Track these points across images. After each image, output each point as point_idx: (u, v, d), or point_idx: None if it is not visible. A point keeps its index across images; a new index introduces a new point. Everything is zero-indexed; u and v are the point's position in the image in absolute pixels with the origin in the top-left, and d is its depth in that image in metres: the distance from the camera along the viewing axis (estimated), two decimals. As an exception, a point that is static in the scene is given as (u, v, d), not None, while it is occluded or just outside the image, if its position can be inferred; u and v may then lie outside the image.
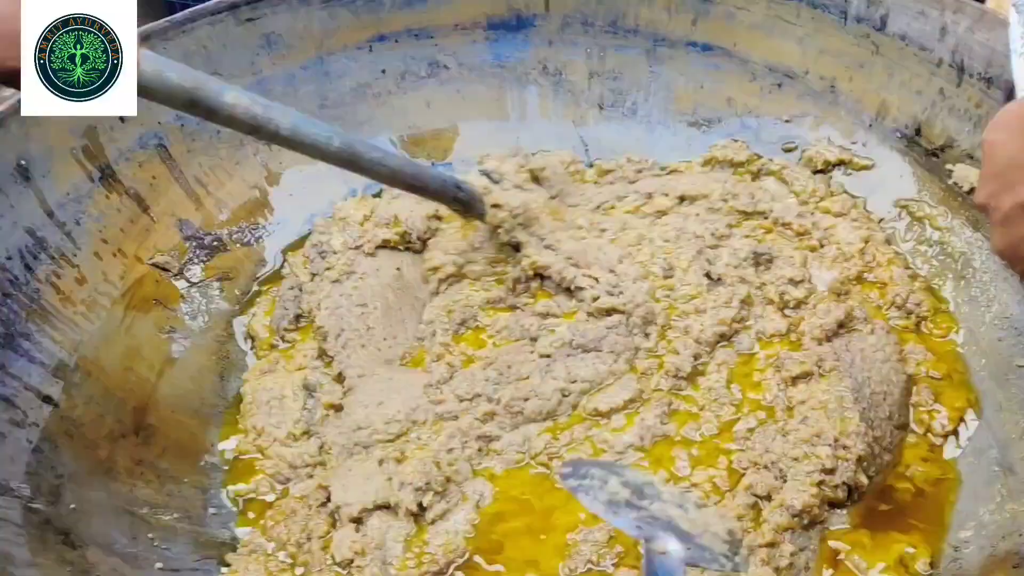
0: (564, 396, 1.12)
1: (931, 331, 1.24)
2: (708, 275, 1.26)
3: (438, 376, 1.17)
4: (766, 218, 1.37)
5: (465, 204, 1.26)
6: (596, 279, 1.23)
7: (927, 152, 1.36)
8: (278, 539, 1.05)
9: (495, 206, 1.28)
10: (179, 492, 1.13)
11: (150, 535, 1.06)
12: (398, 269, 1.34)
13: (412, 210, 1.38)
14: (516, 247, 1.30)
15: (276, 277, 1.42)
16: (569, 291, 1.25)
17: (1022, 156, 0.71)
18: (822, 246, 1.33)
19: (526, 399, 1.12)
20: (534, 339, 1.20)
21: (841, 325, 1.20)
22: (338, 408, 1.18)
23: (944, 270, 1.30)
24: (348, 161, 1.10)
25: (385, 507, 1.03)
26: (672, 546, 0.84)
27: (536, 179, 1.40)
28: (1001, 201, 0.74)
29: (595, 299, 1.20)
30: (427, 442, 1.10)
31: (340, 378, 1.22)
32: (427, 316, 1.27)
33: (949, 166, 1.32)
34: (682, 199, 1.41)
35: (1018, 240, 0.74)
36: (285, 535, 1.05)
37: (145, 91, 0.96)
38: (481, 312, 1.27)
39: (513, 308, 1.27)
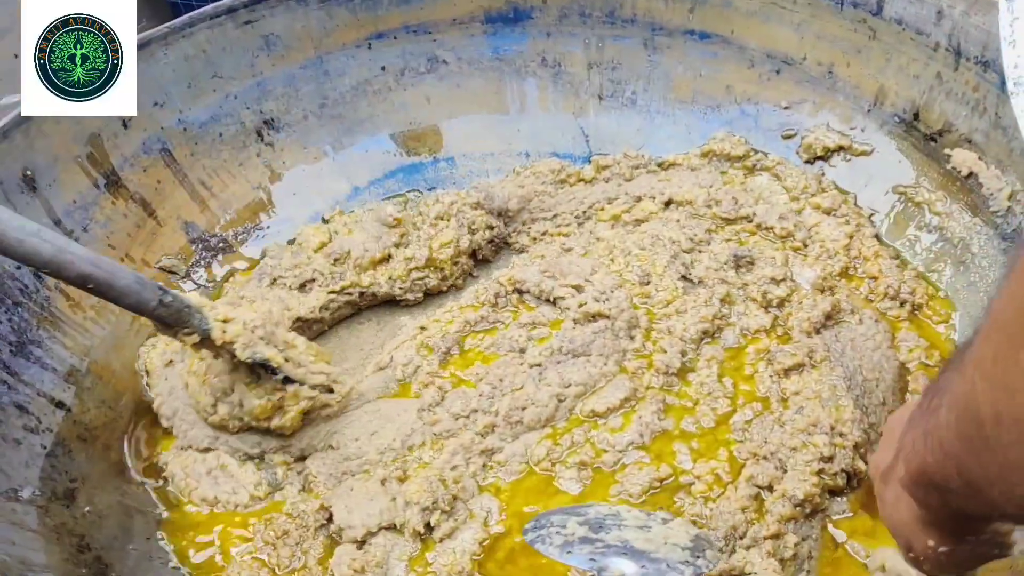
0: (560, 401, 1.12)
1: (929, 317, 1.25)
2: (685, 278, 1.26)
3: (430, 399, 1.14)
4: (750, 222, 1.38)
5: (173, 317, 0.96)
6: (575, 288, 1.22)
7: (925, 137, 1.36)
8: (267, 562, 1.03)
9: (224, 320, 1.02)
10: (191, 492, 1.16)
11: (165, 535, 1.08)
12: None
13: (367, 248, 1.31)
14: (263, 366, 1.06)
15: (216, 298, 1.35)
16: (550, 302, 1.24)
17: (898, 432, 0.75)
18: (806, 246, 1.34)
19: (523, 408, 1.11)
20: (522, 350, 1.19)
21: (829, 317, 1.21)
22: (300, 459, 1.13)
23: (943, 255, 1.31)
24: None
25: (391, 528, 1.02)
26: (627, 569, 0.87)
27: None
28: (879, 461, 0.79)
29: (581, 305, 1.19)
30: (429, 461, 1.08)
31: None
32: (401, 359, 1.21)
33: (947, 151, 1.32)
34: (668, 203, 1.42)
35: (882, 500, 0.78)
36: (275, 558, 1.03)
37: None
38: (463, 339, 1.23)
39: (495, 325, 1.25)
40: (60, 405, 1.12)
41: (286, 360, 1.07)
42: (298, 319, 1.26)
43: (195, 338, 0.99)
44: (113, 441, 1.15)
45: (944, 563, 0.72)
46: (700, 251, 1.31)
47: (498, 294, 1.26)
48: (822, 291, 1.25)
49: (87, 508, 1.05)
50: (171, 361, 1.19)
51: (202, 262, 1.39)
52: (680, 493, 1.04)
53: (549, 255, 1.33)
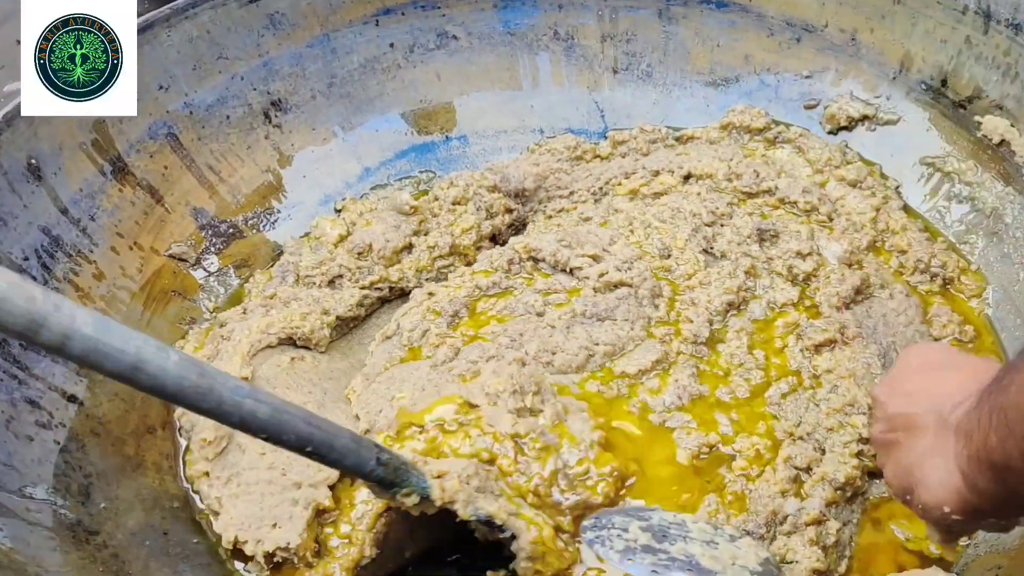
0: (590, 356, 1.09)
1: (961, 291, 1.22)
2: (707, 251, 1.23)
3: (443, 356, 1.10)
4: (772, 195, 1.33)
5: (391, 477, 0.81)
6: (592, 258, 1.18)
7: (954, 104, 1.32)
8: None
9: (439, 476, 0.85)
10: (208, 485, 1.13)
11: (182, 529, 1.06)
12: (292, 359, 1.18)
13: (388, 239, 1.29)
14: (487, 523, 0.87)
15: (236, 299, 1.32)
16: (566, 271, 1.20)
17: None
18: (831, 219, 1.29)
19: (553, 352, 1.08)
20: (540, 314, 1.15)
21: (858, 292, 1.18)
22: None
23: (975, 227, 1.27)
24: (196, 393, 0.64)
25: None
26: None
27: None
28: (878, 433, 0.82)
29: (602, 275, 1.16)
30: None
31: None
32: (407, 324, 1.17)
33: (977, 118, 1.29)
34: (687, 177, 1.38)
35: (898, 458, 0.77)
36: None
37: None
38: (474, 303, 1.19)
39: (508, 291, 1.20)
40: (72, 399, 1.09)
41: (508, 514, 0.88)
42: (338, 318, 1.24)
43: (415, 499, 0.84)
44: (126, 435, 1.13)
45: (949, 529, 0.73)
46: (722, 224, 1.27)
47: (512, 260, 1.22)
48: (850, 265, 1.22)
49: (102, 504, 1.03)
50: None
51: (212, 249, 1.36)
52: (723, 467, 1.01)
53: (566, 224, 1.30)
